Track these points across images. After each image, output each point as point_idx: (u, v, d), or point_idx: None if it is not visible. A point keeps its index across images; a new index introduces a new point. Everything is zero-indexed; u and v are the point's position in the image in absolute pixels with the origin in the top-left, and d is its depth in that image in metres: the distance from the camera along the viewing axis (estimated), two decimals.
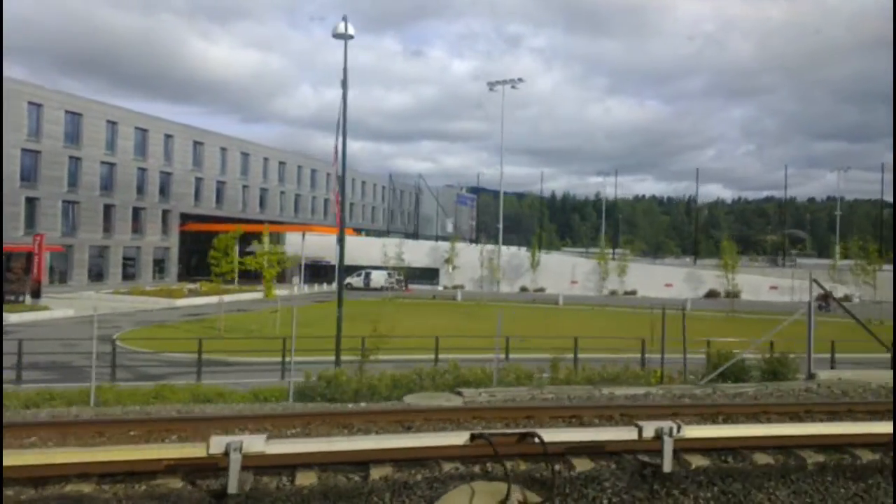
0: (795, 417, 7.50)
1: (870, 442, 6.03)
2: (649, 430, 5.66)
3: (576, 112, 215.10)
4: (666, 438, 5.58)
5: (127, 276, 53.23)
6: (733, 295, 51.22)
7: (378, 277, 58.76)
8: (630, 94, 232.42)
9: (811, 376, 10.66)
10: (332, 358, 18.48)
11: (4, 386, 11.92)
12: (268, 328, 27.03)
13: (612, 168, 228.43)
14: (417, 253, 63.36)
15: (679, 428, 5.62)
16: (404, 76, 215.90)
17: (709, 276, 52.09)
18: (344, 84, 17.79)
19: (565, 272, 58.58)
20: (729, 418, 7.46)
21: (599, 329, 27.99)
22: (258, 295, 50.10)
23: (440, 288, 59.84)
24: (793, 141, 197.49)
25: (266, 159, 69.85)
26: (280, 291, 55.55)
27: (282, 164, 72.59)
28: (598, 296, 52.80)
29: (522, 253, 61.09)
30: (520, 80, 59.34)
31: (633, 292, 54.51)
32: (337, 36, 17.31)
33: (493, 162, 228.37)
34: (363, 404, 8.52)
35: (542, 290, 57.63)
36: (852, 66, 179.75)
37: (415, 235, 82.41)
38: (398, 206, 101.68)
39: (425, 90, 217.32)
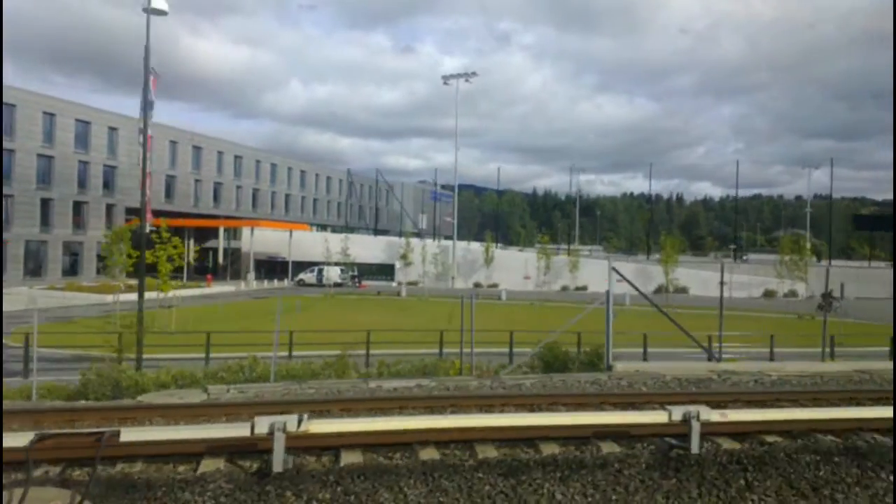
0: (535, 408, 6.90)
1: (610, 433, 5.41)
2: (262, 425, 4.97)
3: (566, 110, 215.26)
4: (278, 434, 4.90)
5: (70, 272, 51.94)
6: (681, 290, 51.10)
7: (331, 273, 57.85)
8: (620, 91, 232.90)
9: (609, 368, 10.06)
10: (189, 355, 17.75)
11: None
12: (158, 324, 26.00)
13: (603, 166, 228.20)
14: (374, 249, 62.59)
15: (301, 421, 4.93)
16: (394, 72, 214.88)
17: (658, 271, 51.80)
18: (146, 61, 16.70)
19: (520, 268, 58.07)
20: (460, 409, 6.83)
21: (496, 323, 27.29)
22: (207, 290, 49.21)
23: (394, 284, 59.11)
24: (783, 139, 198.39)
25: (220, 153, 68.65)
26: (227, 287, 54.92)
27: (238, 158, 71.42)
28: (549, 291, 52.36)
29: (477, 248, 60.50)
30: (474, 73, 58.80)
31: (584, 287, 54.12)
32: (149, 11, 16.17)
33: (485, 159, 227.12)
34: (82, 402, 7.76)
35: (495, 285, 57.12)
36: (842, 63, 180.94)
37: (375, 231, 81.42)
38: (363, 202, 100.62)
39: (415, 87, 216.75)
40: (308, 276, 58.61)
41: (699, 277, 51.36)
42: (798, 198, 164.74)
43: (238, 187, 71.66)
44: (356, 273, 58.69)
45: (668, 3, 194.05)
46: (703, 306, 40.38)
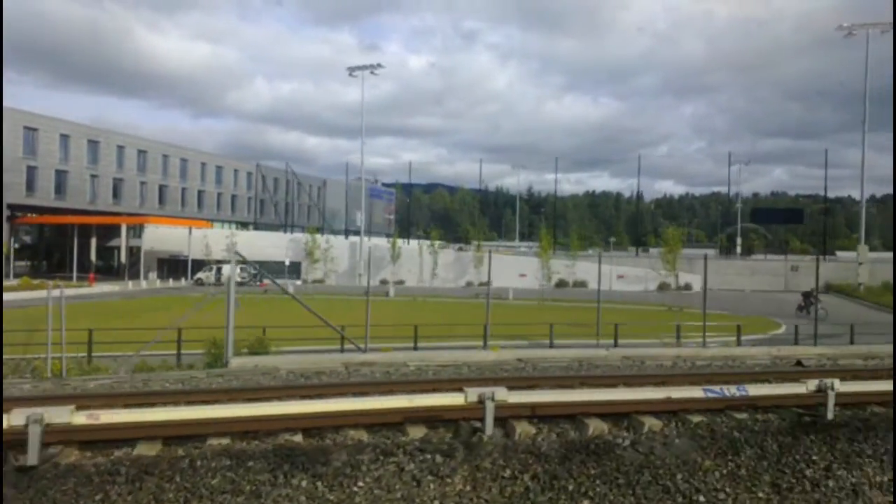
0: None
1: None
2: None
3: (533, 109, 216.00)
4: None
5: None
6: (580, 284, 50.95)
7: (228, 272, 55.61)
8: (585, 91, 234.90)
9: (226, 364, 8.88)
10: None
11: None
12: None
13: (569, 164, 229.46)
14: (281, 246, 60.62)
15: None
16: (360, 71, 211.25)
17: (560, 265, 51.55)
18: None
19: (426, 264, 57.07)
20: None
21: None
22: (83, 291, 46.41)
23: (298, 283, 57.30)
24: (741, 138, 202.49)
25: (121, 147, 65.52)
26: (111, 287, 52.08)
27: (142, 152, 68.33)
28: (453, 287, 51.58)
29: (384, 245, 59.23)
30: (379, 65, 57.70)
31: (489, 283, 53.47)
32: None
33: (453, 158, 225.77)
34: None
35: (401, 282, 56.05)
36: (797, 64, 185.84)
37: (285, 228, 79.19)
38: (288, 199, 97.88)
39: (381, 85, 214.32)
40: (206, 275, 56.28)
41: (595, 271, 51.29)
42: (755, 194, 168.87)
43: (142, 183, 68.58)
44: (257, 271, 56.60)
45: (630, 4, 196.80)
46: (586, 299, 40.29)
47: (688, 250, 59.56)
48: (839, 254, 55.75)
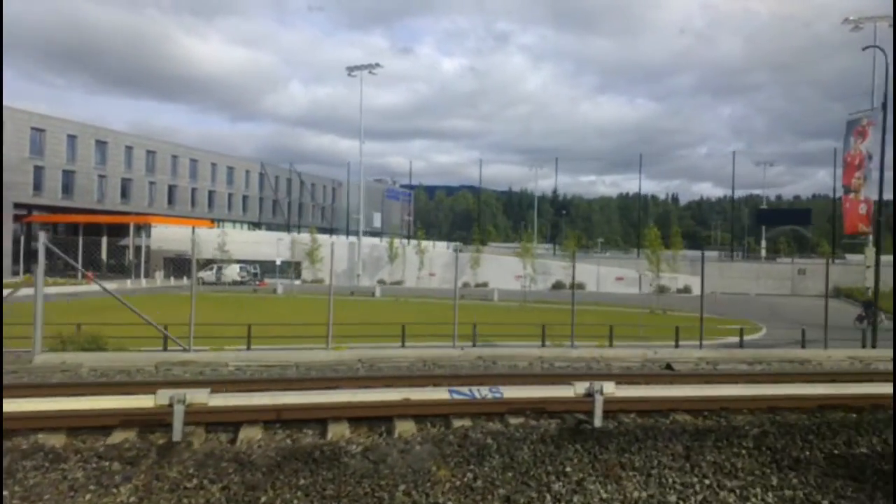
0: None
1: None
2: None
3: (567, 110, 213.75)
4: None
5: None
6: (579, 286, 49.89)
7: (230, 272, 56.08)
8: (620, 92, 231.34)
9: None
10: None
11: None
12: None
13: (604, 166, 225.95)
14: (280, 246, 60.81)
15: None
16: (393, 74, 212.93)
17: (557, 266, 50.60)
18: None
19: (426, 264, 56.69)
20: None
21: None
22: (71, 289, 47.06)
23: (297, 282, 57.51)
24: (781, 139, 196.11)
25: (129, 147, 66.57)
26: (108, 285, 52.56)
27: (150, 153, 69.34)
28: (451, 288, 51.01)
29: (383, 246, 59.01)
30: (377, 65, 57.52)
31: (485, 284, 52.82)
32: None
33: (486, 160, 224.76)
34: None
35: (399, 282, 55.85)
36: (839, 63, 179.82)
37: (289, 228, 79.47)
38: (303, 200, 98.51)
39: (415, 88, 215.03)
40: (207, 275, 56.78)
41: (596, 273, 50.19)
42: (796, 197, 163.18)
43: (151, 183, 69.58)
44: (256, 271, 57.03)
45: (665, 3, 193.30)
46: (568, 301, 39.32)
47: (693, 252, 58.06)
48: (849, 256, 53.52)
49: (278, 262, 50.92)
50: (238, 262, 57.46)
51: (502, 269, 54.46)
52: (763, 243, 78.34)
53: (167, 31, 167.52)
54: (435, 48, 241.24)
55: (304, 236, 61.59)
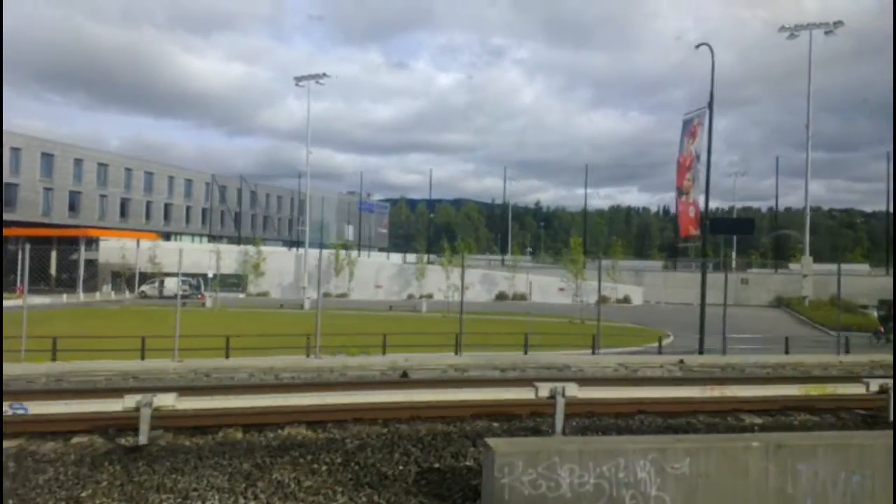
0: None
1: None
2: None
3: (561, 123, 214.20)
4: None
5: None
6: (519, 297, 49.38)
7: (170, 285, 55.06)
8: (614, 105, 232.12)
9: None
10: None
11: None
12: None
13: (599, 179, 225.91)
14: (228, 259, 59.94)
15: None
16: (389, 88, 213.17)
17: (500, 277, 50.10)
18: None
19: (372, 277, 56.00)
20: None
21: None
22: (41, 300, 45.97)
23: (241, 296, 56.65)
24: (776, 151, 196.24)
25: (79, 160, 65.65)
26: (40, 299, 51.56)
27: (102, 165, 68.42)
28: (398, 300, 50.42)
29: (331, 258, 58.24)
30: (325, 75, 57.02)
31: (430, 295, 52.16)
32: None
33: (482, 173, 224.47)
34: None
35: (344, 295, 55.19)
36: (832, 76, 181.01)
37: (239, 241, 78.38)
38: (258, 211, 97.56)
39: (411, 102, 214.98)
40: (149, 288, 55.82)
41: (539, 284, 49.67)
42: (787, 209, 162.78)
43: (103, 196, 68.59)
44: (198, 284, 56.04)
45: (658, 17, 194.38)
46: (498, 311, 38.90)
47: (639, 262, 57.60)
48: (792, 266, 53.33)
49: (210, 276, 50.07)
50: (187, 275, 56.43)
51: (449, 281, 53.80)
52: (733, 254, 78.25)
53: (163, 47, 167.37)
54: (430, 63, 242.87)
55: (246, 248, 60.81)
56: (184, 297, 54.94)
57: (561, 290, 49.68)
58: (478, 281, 53.21)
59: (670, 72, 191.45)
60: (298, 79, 57.34)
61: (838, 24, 43.50)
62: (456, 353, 15.73)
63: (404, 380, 8.71)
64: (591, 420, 7.29)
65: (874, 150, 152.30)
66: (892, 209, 48.51)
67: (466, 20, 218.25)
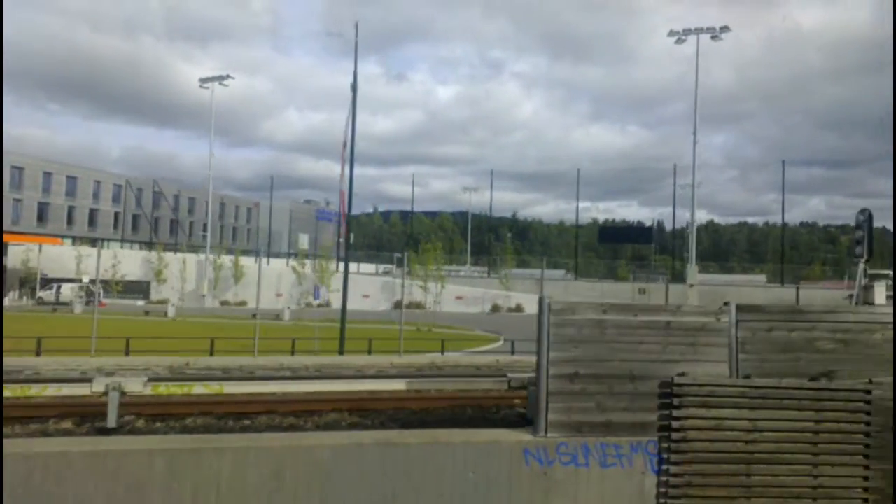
0: None
1: None
2: None
3: (560, 137, 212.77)
4: None
5: None
6: (417, 305, 47.79)
7: (67, 291, 53.14)
8: (613, 119, 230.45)
9: None
10: None
11: None
12: None
13: (597, 193, 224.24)
14: (131, 264, 58.09)
15: None
16: (388, 100, 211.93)
17: (402, 285, 48.41)
18: None
19: (273, 285, 54.18)
20: None
21: None
22: None
23: (140, 303, 54.71)
24: (774, 167, 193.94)
25: None
26: None
27: (17, 168, 66.60)
28: (296, 308, 48.69)
29: (229, 265, 56.44)
30: (229, 76, 55.59)
31: (327, 305, 50.45)
32: None
33: (480, 186, 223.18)
34: None
35: (243, 303, 53.42)
36: (830, 93, 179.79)
37: (150, 245, 76.31)
38: (180, 216, 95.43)
39: (410, 114, 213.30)
40: (46, 294, 53.91)
41: (452, 293, 48.45)
42: (784, 224, 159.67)
43: (17, 200, 66.72)
44: (99, 290, 54.10)
45: (656, 33, 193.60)
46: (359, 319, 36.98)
47: (550, 272, 56.09)
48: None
49: (85, 281, 48.23)
50: (93, 281, 54.52)
51: (357, 288, 52.15)
52: (691, 266, 76.66)
53: (163, 57, 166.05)
54: (429, 75, 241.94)
55: (154, 255, 58.92)
56: (87, 303, 53.23)
57: (459, 298, 48.17)
58: (379, 289, 51.66)
59: (668, 86, 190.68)
60: (203, 81, 55.69)
61: (724, 29, 42.31)
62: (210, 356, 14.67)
63: None
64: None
65: (875, 167, 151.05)
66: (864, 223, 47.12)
67: (464, 32, 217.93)
